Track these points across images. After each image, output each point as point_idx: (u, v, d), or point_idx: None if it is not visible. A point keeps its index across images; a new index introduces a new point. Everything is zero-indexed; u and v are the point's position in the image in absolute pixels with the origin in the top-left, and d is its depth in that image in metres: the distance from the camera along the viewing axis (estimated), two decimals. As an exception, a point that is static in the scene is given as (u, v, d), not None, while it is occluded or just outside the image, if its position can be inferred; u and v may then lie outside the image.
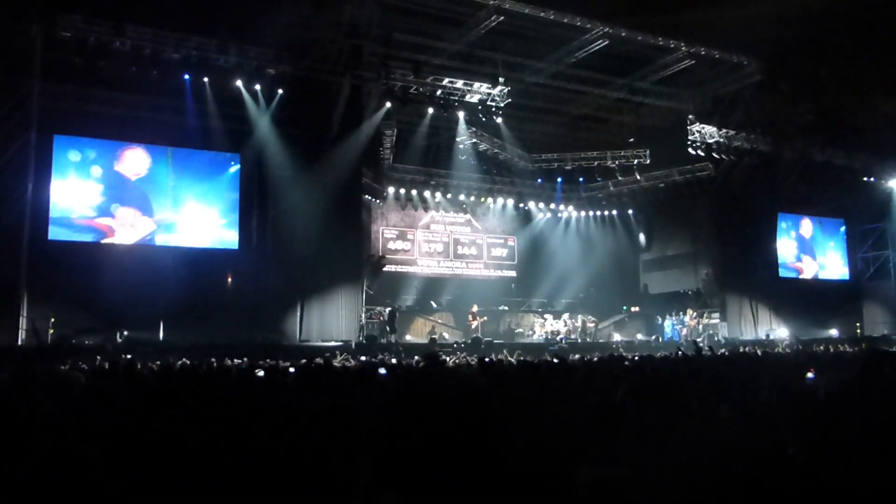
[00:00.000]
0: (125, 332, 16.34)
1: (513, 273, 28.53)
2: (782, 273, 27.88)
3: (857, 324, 28.35)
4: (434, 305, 25.58)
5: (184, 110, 18.24)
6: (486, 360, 11.24)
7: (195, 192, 19.67)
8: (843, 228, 30.02)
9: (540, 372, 7.54)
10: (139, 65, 17.19)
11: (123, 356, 12.68)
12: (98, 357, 12.57)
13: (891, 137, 25.26)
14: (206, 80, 18.21)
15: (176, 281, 17.50)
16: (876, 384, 4.69)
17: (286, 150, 19.20)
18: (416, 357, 14.08)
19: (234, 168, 19.91)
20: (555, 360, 10.15)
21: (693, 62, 22.62)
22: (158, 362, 12.06)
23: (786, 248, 28.30)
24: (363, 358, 14.43)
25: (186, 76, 18.03)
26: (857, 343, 22.36)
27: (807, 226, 29.23)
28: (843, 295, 28.81)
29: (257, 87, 18.87)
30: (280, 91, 19.05)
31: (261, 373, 7.30)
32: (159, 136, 18.89)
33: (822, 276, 29.41)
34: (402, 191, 25.73)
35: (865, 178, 27.56)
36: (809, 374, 5.46)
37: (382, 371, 8.16)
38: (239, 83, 18.60)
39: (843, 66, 22.26)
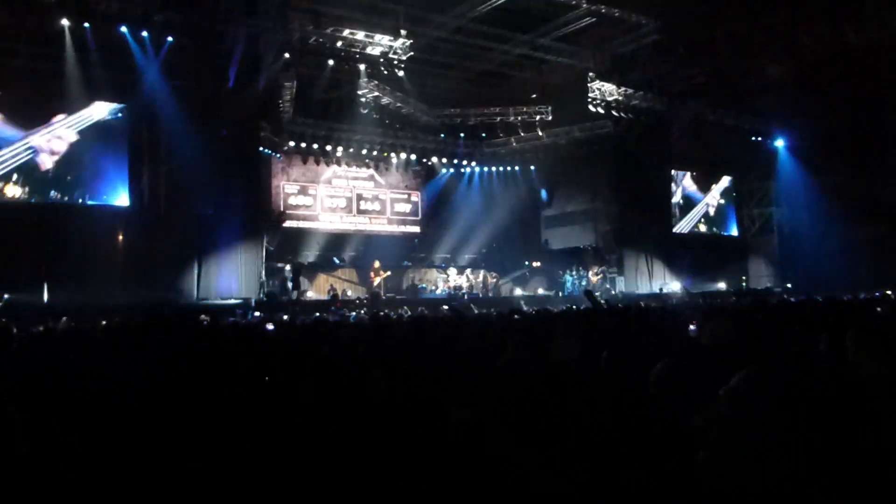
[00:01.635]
0: (6, 296, 15.47)
1: (416, 229, 28.56)
2: (675, 229, 28.96)
3: (743, 277, 29.84)
4: (337, 262, 25.38)
5: (63, 59, 17.12)
6: (380, 314, 11.33)
7: (80, 146, 18.68)
8: (731, 186, 31.32)
9: (429, 326, 7.62)
10: (12, 10, 15.93)
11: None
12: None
13: (777, 99, 26.33)
14: (86, 26, 17.05)
15: (62, 241, 16.67)
16: (751, 333, 4.91)
17: (178, 102, 18.36)
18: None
19: (121, 119, 18.97)
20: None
21: (594, 20, 22.79)
22: (41, 327, 11.52)
23: (678, 205, 29.35)
24: (257, 314, 14.23)
25: (65, 22, 16.82)
26: (742, 295, 23.55)
27: (698, 183, 30.35)
28: (731, 250, 30.21)
29: (144, 34, 17.84)
30: (170, 39, 18.09)
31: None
32: (39, 86, 17.72)
33: (712, 231, 30.72)
34: (303, 145, 25.08)
35: (753, 138, 28.75)
36: (692, 326, 5.66)
37: (270, 326, 8.09)
38: (124, 29, 17.53)
39: (735, 30, 22.91)
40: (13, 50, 17.04)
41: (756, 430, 1.61)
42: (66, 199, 18.69)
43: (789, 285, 26.46)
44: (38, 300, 15.90)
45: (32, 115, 18.33)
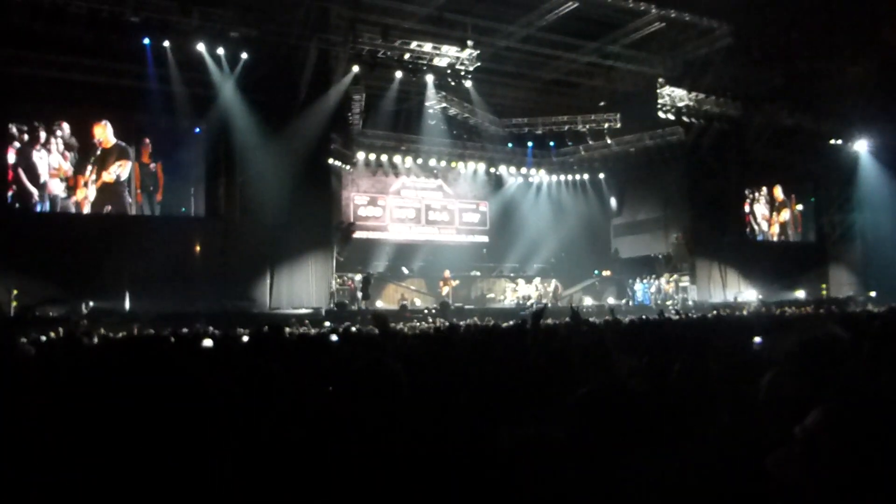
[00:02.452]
0: (90, 303, 16.15)
1: (485, 238, 28.56)
2: (750, 236, 28.23)
3: (824, 285, 28.82)
4: (405, 272, 25.58)
5: (145, 76, 17.85)
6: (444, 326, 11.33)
7: (161, 159, 19.47)
8: (810, 192, 30.36)
9: (494, 336, 7.58)
10: (97, 29, 16.68)
11: (85, 326, 12.55)
12: (60, 329, 12.41)
13: (857, 102, 25.44)
14: (166, 44, 17.77)
15: (142, 250, 17.32)
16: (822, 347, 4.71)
17: (252, 116, 18.88)
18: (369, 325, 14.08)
19: (198, 134, 19.66)
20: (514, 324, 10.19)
21: (663, 25, 22.48)
22: (123, 332, 12.00)
23: (754, 211, 28.62)
24: (327, 324, 14.46)
25: (147, 40, 17.56)
26: (822, 305, 22.76)
27: (775, 189, 29.53)
28: (810, 258, 29.24)
29: (220, 51, 18.46)
30: (244, 55, 18.67)
31: (209, 342, 7.22)
32: (121, 103, 18.51)
33: (790, 239, 29.83)
34: (373, 156, 25.50)
35: (832, 142, 27.81)
36: (756, 339, 5.38)
37: (334, 338, 8.15)
38: (201, 47, 18.17)
39: (811, 31, 22.27)
40: (98, 68, 17.83)
41: (841, 473, 1.46)
42: (145, 209, 19.46)
43: (873, 294, 25.42)
44: (120, 307, 16.55)
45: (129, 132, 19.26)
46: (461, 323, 14.41)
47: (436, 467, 2.47)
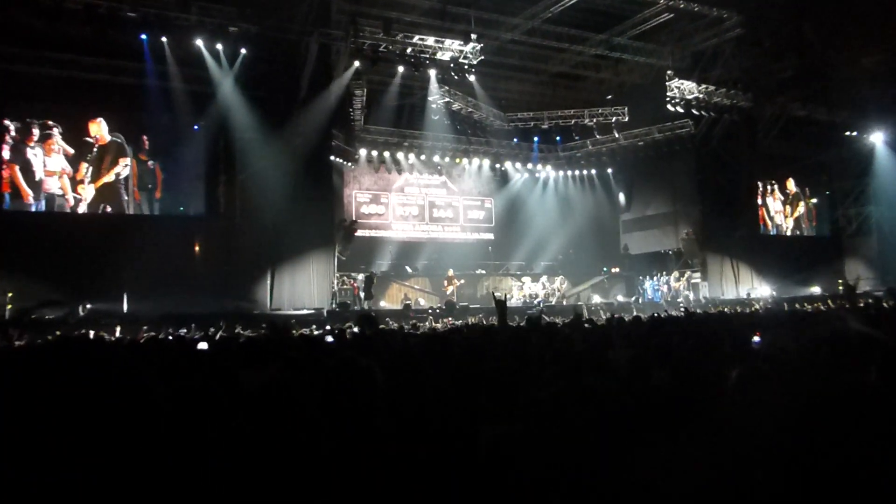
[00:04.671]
0: (88, 305, 16.25)
1: (490, 236, 28.66)
2: (763, 231, 28.24)
3: (840, 281, 28.78)
4: (409, 271, 25.66)
5: (143, 73, 17.97)
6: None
7: (159, 157, 19.59)
8: (824, 184, 30.35)
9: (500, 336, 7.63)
10: (94, 25, 16.77)
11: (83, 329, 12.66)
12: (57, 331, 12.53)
13: (872, 92, 25.42)
14: (164, 39, 17.86)
15: (141, 250, 17.42)
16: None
17: (252, 112, 19.01)
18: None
19: (197, 132, 19.75)
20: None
21: (672, 16, 22.51)
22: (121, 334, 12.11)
23: (767, 205, 28.62)
24: (328, 327, 14.52)
25: (144, 36, 17.64)
26: (839, 299, 22.71)
27: (787, 182, 29.53)
28: (825, 252, 29.23)
29: (219, 46, 18.53)
30: (244, 51, 18.75)
31: (203, 345, 7.26)
32: (118, 100, 18.62)
33: (804, 233, 29.82)
34: (375, 153, 25.62)
35: (847, 133, 27.79)
36: (755, 338, 5.36)
37: (329, 339, 8.23)
38: (200, 43, 18.27)
39: (824, 20, 22.26)
40: (95, 65, 17.96)
41: None
42: (144, 208, 19.57)
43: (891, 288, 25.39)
44: (118, 309, 16.66)
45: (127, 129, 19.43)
46: (458, 323, 14.51)
47: (409, 466, 2.49)
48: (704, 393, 3.15)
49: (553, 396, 2.37)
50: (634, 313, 16.73)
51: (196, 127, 19.73)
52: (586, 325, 9.97)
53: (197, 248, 19.76)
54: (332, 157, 22.44)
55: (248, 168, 19.48)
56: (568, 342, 6.04)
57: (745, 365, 2.85)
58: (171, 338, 12.29)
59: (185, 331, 13.99)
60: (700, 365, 3.79)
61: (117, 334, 14.23)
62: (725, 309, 18.59)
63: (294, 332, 12.87)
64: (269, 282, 19.63)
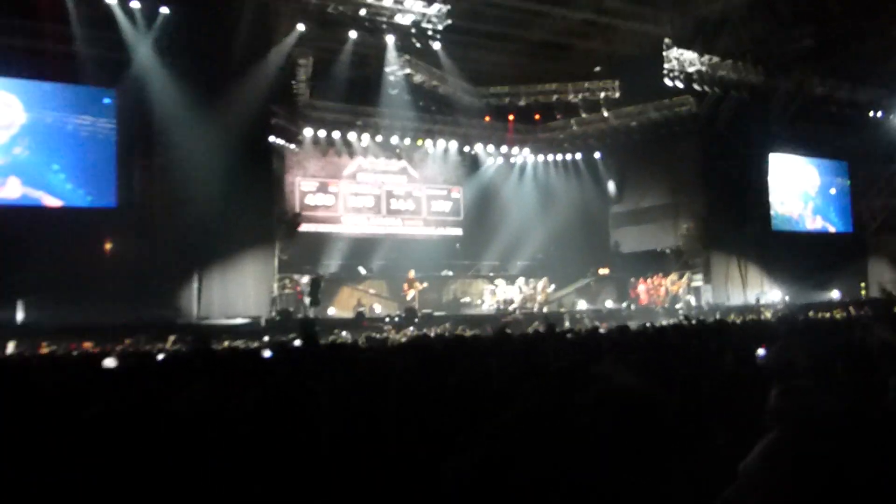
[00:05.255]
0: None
1: (458, 231, 28.68)
2: (776, 226, 28.53)
3: (862, 283, 29.22)
4: (363, 272, 25.52)
5: (40, 34, 17.62)
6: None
7: (57, 137, 19.17)
8: (846, 173, 30.76)
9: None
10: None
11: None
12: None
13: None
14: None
15: (39, 249, 17.07)
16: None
17: (175, 85, 18.71)
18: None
19: (108, 106, 19.40)
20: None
21: (672, -24, 22.66)
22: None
23: (780, 197, 28.90)
24: (266, 338, 14.45)
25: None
26: (862, 306, 23.01)
27: (804, 170, 29.88)
28: (845, 250, 29.61)
29: (135, 4, 18.27)
30: (164, 9, 18.50)
31: (111, 361, 7.17)
32: (8, 65, 18.24)
33: (822, 228, 30.19)
34: (323, 133, 25.38)
35: (872, 114, 28.14)
36: (760, 351, 5.42)
37: (267, 353, 8.16)
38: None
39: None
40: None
41: None
42: (41, 198, 19.14)
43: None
44: (10, 320, 16.33)
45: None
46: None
47: None
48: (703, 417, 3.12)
49: (522, 415, 2.45)
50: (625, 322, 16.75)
51: (107, 101, 19.38)
52: (568, 336, 10.00)
53: (108, 247, 19.50)
54: (271, 139, 22.33)
55: (170, 151, 19.22)
56: (543, 356, 6.07)
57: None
58: (74, 353, 12.14)
59: (91, 344, 13.84)
60: (698, 383, 3.78)
61: (10, 350, 13.99)
62: (732, 317, 18.79)
63: (224, 344, 12.87)
64: (195, 286, 19.49)
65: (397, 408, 3.71)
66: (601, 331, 12.39)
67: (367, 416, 3.53)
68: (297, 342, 13.93)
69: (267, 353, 8.93)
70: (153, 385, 5.31)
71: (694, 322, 12.66)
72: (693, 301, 25.44)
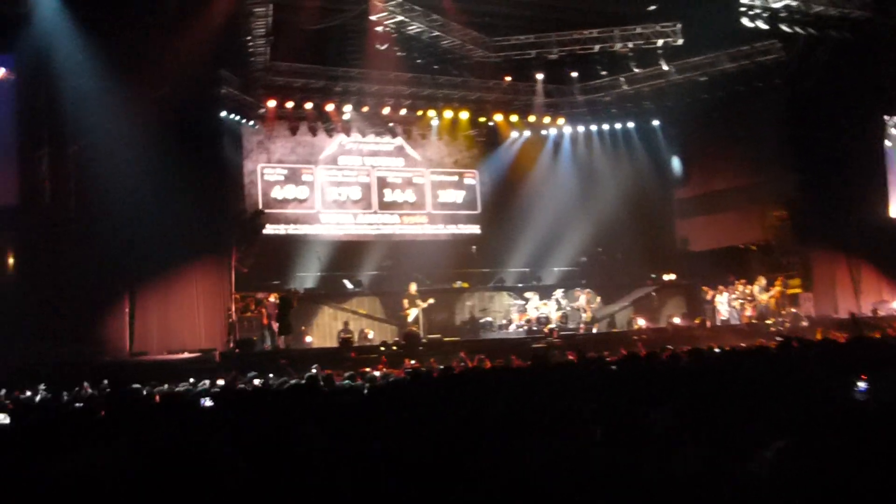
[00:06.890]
0: None
1: (474, 229, 28.82)
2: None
3: None
4: (350, 287, 25.50)
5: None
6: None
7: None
8: None
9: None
10: None
11: None
12: None
13: None
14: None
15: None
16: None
17: (89, 47, 18.76)
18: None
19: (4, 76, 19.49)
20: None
21: None
22: None
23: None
24: (220, 382, 14.37)
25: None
26: None
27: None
28: None
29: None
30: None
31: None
32: None
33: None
34: (290, 105, 25.39)
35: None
36: (861, 384, 5.53)
37: (208, 402, 8.14)
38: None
39: None
40: None
41: None
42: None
43: None
44: None
45: None
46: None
47: None
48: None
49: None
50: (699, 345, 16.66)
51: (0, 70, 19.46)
52: (612, 368, 9.84)
53: (10, 261, 19.53)
54: (222, 114, 22.36)
55: (87, 135, 19.27)
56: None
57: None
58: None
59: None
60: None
61: None
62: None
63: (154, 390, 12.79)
64: (126, 311, 19.49)
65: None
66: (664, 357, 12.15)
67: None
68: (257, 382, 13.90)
69: (207, 402, 8.87)
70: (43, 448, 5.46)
71: (797, 344, 12.40)
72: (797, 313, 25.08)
